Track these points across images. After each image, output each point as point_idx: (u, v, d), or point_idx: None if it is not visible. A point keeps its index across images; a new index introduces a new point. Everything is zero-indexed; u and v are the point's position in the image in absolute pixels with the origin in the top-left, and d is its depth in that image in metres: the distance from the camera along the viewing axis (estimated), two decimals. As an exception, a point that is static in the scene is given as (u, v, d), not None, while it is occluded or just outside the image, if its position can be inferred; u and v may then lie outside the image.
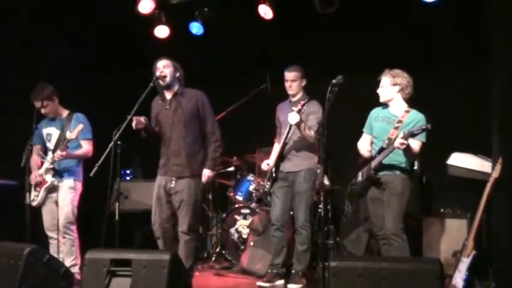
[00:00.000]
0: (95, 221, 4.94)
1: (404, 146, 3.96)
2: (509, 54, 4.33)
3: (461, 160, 5.04)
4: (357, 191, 4.52)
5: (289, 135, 4.82)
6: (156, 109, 4.66)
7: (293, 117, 4.57)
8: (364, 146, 4.46)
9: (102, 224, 4.43)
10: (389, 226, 4.16)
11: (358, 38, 6.05)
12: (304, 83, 4.94)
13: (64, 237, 4.79)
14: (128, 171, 6.54)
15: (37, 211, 4.88)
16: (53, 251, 4.78)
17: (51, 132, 4.92)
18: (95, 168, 4.33)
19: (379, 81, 4.37)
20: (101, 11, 6.03)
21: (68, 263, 4.70)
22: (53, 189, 4.81)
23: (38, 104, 4.79)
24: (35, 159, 4.90)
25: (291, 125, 4.69)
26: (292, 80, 4.90)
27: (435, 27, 5.75)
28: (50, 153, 4.89)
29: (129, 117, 4.36)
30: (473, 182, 4.86)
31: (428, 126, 3.96)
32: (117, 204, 4.40)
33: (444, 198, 5.59)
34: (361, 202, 5.64)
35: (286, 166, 4.90)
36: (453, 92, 5.77)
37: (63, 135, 4.80)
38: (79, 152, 4.85)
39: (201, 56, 6.52)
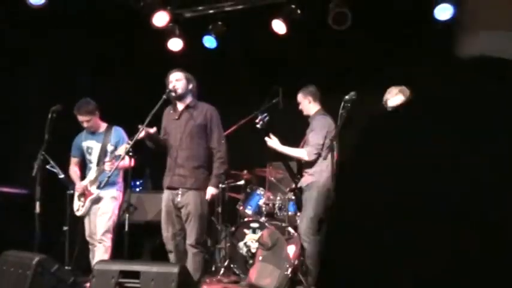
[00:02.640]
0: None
1: None
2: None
3: None
4: None
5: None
6: (166, 119, 4.66)
7: (268, 144, 4.96)
8: None
9: (112, 235, 4.41)
10: None
11: (372, 53, 6.04)
12: (310, 100, 5.08)
13: (100, 243, 4.86)
14: (138, 183, 6.52)
15: (48, 221, 4.87)
16: (92, 256, 4.90)
17: (91, 146, 5.03)
18: (106, 179, 4.33)
19: (385, 102, 4.33)
20: (113, 22, 6.07)
21: None
22: (97, 200, 4.92)
23: (82, 118, 4.94)
24: (74, 170, 5.06)
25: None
26: (298, 103, 5.15)
27: (449, 45, 5.71)
28: (91, 166, 5.00)
29: (141, 128, 4.34)
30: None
31: None
32: (126, 215, 4.37)
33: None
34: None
35: (301, 181, 5.04)
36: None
37: (104, 148, 4.95)
38: (124, 164, 4.82)
39: (214, 70, 6.53)
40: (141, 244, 6.02)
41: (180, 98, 4.55)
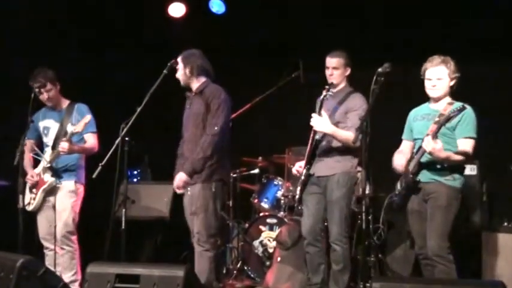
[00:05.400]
0: (97, 230, 4.98)
1: (430, 149, 3.91)
2: None
3: None
4: (396, 204, 4.45)
5: (316, 138, 4.80)
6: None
7: (319, 124, 4.60)
8: (400, 158, 4.39)
9: (106, 233, 4.46)
10: (432, 245, 4.09)
11: (409, 23, 6.00)
12: (348, 72, 4.88)
13: (63, 249, 4.83)
14: (135, 172, 6.57)
15: (32, 216, 4.93)
16: (48, 263, 4.82)
17: (49, 126, 4.96)
18: (99, 169, 4.37)
19: (423, 73, 4.25)
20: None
21: (66, 278, 4.74)
22: (51, 191, 4.85)
23: (41, 87, 4.82)
24: (27, 156, 4.93)
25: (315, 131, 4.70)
26: (334, 68, 4.81)
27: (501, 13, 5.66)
28: (47, 150, 4.93)
29: (138, 109, 4.39)
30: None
31: (464, 105, 3.89)
32: (123, 210, 4.41)
33: (508, 210, 5.50)
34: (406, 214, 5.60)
35: (317, 168, 4.83)
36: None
37: (63, 129, 4.85)
38: (85, 145, 4.88)
39: (222, 39, 6.52)
40: (140, 243, 6.08)
41: (186, 87, 4.69)
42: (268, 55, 6.60)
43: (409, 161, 4.26)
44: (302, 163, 4.93)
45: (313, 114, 4.65)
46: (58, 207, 4.82)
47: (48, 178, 4.83)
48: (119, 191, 4.77)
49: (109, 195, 4.58)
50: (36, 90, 4.83)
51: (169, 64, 4.53)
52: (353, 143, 4.59)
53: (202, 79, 4.65)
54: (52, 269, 4.62)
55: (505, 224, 5.21)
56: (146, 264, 4.90)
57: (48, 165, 4.83)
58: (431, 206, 4.15)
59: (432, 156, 4.03)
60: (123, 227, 4.36)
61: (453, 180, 4.16)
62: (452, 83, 4.21)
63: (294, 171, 4.98)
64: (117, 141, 4.39)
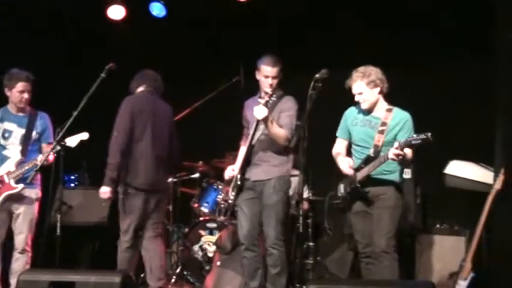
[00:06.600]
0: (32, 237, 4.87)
1: (400, 158, 4.00)
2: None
3: (460, 169, 5.12)
4: (338, 206, 4.52)
5: (257, 134, 4.71)
6: None
7: (260, 111, 4.43)
8: (344, 161, 4.44)
9: (40, 239, 4.38)
10: (380, 243, 4.19)
11: (342, 29, 6.13)
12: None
13: (22, 253, 4.79)
14: (72, 177, 6.45)
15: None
16: None
17: (11, 129, 4.89)
18: (33, 173, 4.29)
19: (349, 88, 4.35)
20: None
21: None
22: (14, 197, 4.78)
23: (27, 87, 4.80)
24: None
25: (257, 122, 4.56)
26: (274, 77, 4.67)
27: (432, 22, 5.83)
28: (5, 153, 4.85)
29: (75, 113, 4.34)
30: (474, 194, 4.94)
31: (429, 135, 3.87)
32: (58, 216, 4.34)
33: (440, 212, 5.66)
34: (344, 216, 5.69)
35: (253, 173, 4.79)
36: (452, 93, 5.86)
37: (28, 134, 4.83)
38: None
39: (163, 43, 6.48)
40: (76, 250, 5.97)
41: None
42: (209, 59, 6.60)
43: (356, 169, 4.31)
44: (234, 166, 4.93)
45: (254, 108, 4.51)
46: (26, 215, 4.81)
47: (16, 184, 4.75)
48: (55, 196, 4.69)
49: (44, 200, 4.50)
50: (20, 89, 4.80)
51: (106, 68, 4.50)
52: (287, 142, 4.62)
53: (138, 90, 4.89)
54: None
55: (437, 225, 5.39)
56: (82, 270, 4.86)
57: (17, 170, 4.75)
58: (380, 206, 4.26)
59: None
60: (58, 233, 4.29)
61: (399, 183, 4.31)
62: (377, 89, 4.30)
63: (227, 174, 4.95)
64: (53, 145, 4.32)
